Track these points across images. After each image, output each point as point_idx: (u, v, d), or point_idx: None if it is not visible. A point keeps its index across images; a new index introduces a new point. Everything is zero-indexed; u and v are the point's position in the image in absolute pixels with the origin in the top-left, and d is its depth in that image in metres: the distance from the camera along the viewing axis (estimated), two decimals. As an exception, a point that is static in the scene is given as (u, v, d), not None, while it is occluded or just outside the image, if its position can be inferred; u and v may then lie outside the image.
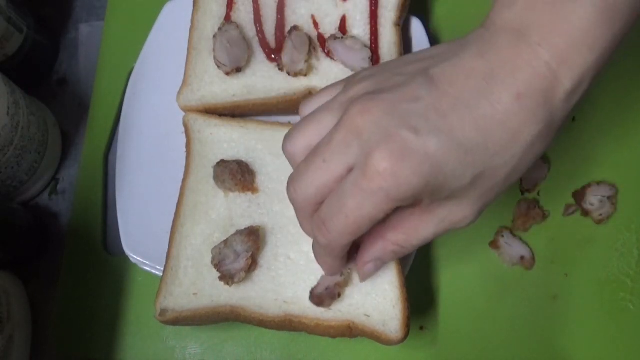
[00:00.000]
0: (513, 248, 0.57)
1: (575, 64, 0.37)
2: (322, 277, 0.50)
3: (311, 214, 0.42)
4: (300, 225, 0.45)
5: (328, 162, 0.39)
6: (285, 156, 0.44)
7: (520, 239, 0.57)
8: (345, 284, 0.50)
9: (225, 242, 0.51)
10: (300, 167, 0.41)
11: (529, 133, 0.37)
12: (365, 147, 0.37)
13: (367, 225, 0.39)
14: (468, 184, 0.38)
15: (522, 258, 0.56)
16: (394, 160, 0.36)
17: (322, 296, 0.49)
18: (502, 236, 0.57)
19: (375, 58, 0.56)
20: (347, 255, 0.45)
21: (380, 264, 0.45)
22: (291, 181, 0.42)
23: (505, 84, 0.37)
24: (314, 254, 0.46)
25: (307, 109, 0.44)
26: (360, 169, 0.37)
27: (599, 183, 0.58)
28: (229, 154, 0.56)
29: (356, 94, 0.40)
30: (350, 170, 0.38)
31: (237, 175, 0.53)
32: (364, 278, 0.47)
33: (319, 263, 0.47)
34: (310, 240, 0.52)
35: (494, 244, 0.57)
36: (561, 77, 0.37)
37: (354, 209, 0.38)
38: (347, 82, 0.43)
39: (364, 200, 0.37)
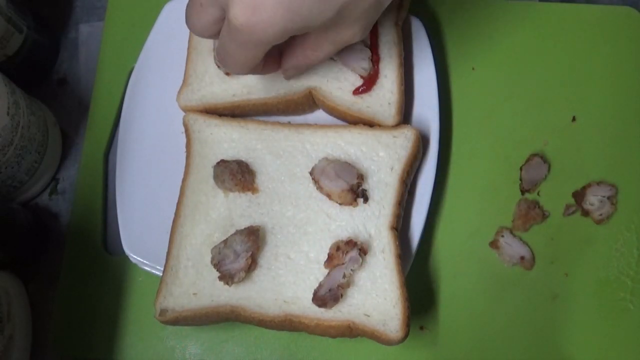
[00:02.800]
0: (513, 248, 0.57)
1: None
2: (325, 278, 0.50)
3: (212, 38, 0.47)
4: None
5: (204, 7, 0.43)
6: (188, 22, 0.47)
7: (520, 239, 0.57)
8: (347, 285, 0.50)
9: (225, 241, 0.51)
10: (187, 9, 0.45)
11: None
12: (222, 1, 0.40)
13: (254, 62, 0.44)
14: (332, 18, 0.40)
15: (522, 258, 0.56)
16: (247, 15, 0.39)
17: (325, 298, 0.49)
18: (502, 236, 0.57)
19: (375, 58, 0.56)
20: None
21: (299, 70, 0.51)
22: (187, 21, 0.46)
23: None
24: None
25: None
26: (227, 21, 0.41)
27: (599, 183, 0.58)
28: (229, 153, 0.56)
29: None
30: (222, 9, 0.42)
31: (237, 175, 0.53)
32: (287, 78, 0.53)
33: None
34: (308, 240, 0.52)
35: (494, 244, 0.57)
36: None
37: (236, 56, 0.43)
38: None
39: (239, 49, 0.42)
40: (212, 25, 0.44)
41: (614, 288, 0.56)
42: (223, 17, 0.43)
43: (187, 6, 0.46)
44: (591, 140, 0.60)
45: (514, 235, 0.57)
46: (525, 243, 0.57)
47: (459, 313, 0.56)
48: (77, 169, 0.63)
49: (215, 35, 0.45)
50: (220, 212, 0.54)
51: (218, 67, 0.57)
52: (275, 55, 0.50)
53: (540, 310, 0.56)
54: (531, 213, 0.57)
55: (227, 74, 0.57)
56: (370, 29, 0.44)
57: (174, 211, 0.54)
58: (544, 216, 0.58)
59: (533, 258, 0.57)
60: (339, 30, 0.43)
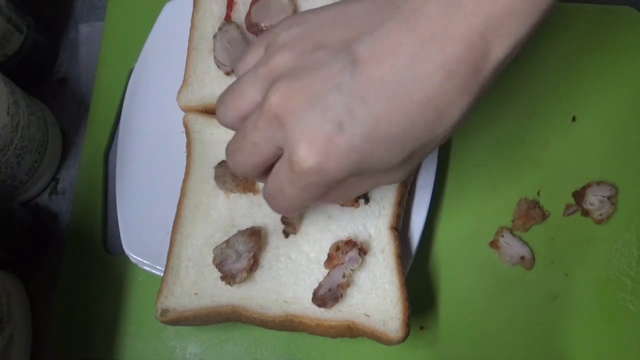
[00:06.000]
0: (513, 248, 0.57)
1: (510, 32, 0.33)
2: (325, 278, 0.50)
3: (258, 177, 0.43)
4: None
5: (258, 146, 0.39)
6: (222, 125, 0.44)
7: (520, 239, 0.57)
8: (347, 284, 0.50)
9: (227, 242, 0.51)
10: (233, 145, 0.42)
11: (458, 108, 0.35)
12: (289, 139, 0.37)
13: (308, 204, 0.40)
14: (399, 164, 0.38)
15: (522, 258, 0.56)
16: (319, 157, 0.36)
17: (325, 298, 0.49)
18: (502, 236, 0.57)
19: (375, 58, 0.56)
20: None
21: (307, 203, 0.45)
22: (229, 155, 0.43)
23: (435, 62, 0.34)
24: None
25: (239, 69, 0.43)
26: (288, 161, 0.37)
27: (599, 183, 0.58)
28: (229, 154, 0.56)
29: (277, 68, 0.38)
30: (279, 149, 0.39)
31: (238, 176, 0.53)
32: (290, 213, 0.50)
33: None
34: (309, 241, 0.52)
35: (494, 244, 0.57)
36: (495, 46, 0.34)
37: (292, 196, 0.39)
38: (267, 42, 0.41)
39: (298, 191, 0.39)
40: (261, 166, 0.41)
41: (614, 288, 0.56)
42: (276, 159, 0.40)
43: (233, 141, 0.42)
44: (591, 140, 0.60)
45: (514, 235, 0.57)
46: (525, 243, 0.57)
47: (459, 313, 0.56)
48: (77, 169, 0.63)
49: (260, 174, 0.42)
50: (222, 213, 0.54)
51: (218, 67, 0.57)
52: None
53: (540, 310, 0.56)
54: (531, 213, 0.57)
55: (228, 73, 0.57)
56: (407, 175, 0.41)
57: (175, 211, 0.54)
58: (544, 216, 0.58)
59: (533, 258, 0.57)
60: (390, 174, 0.40)
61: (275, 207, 0.42)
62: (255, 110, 0.39)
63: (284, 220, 0.52)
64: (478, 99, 0.36)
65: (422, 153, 0.38)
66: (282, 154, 0.39)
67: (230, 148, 0.42)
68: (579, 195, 0.58)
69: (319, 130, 0.36)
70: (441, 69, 0.34)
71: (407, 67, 0.34)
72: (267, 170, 0.41)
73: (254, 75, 0.40)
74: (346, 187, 0.40)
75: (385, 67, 0.35)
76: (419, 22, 0.34)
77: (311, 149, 0.36)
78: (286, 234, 0.52)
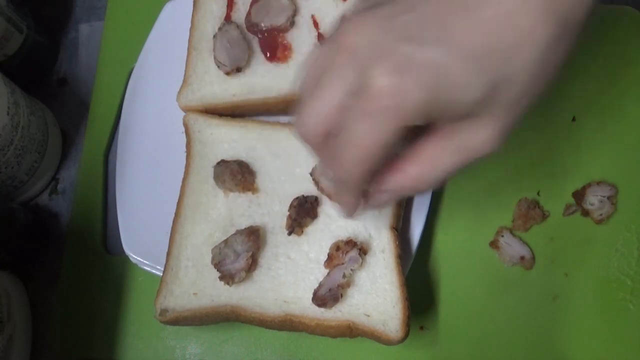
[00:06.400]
0: (513, 248, 0.57)
1: None
2: (325, 278, 0.50)
3: (322, 146, 0.38)
4: (320, 163, 0.41)
5: (328, 89, 0.35)
6: (299, 137, 0.39)
7: (520, 239, 0.57)
8: (347, 285, 0.50)
9: (226, 241, 0.51)
10: (301, 104, 0.38)
11: (542, 33, 0.33)
12: (361, 67, 0.34)
13: (381, 152, 0.35)
14: (482, 96, 0.34)
15: (522, 258, 0.56)
16: (393, 75, 0.33)
17: (325, 298, 0.49)
18: (502, 236, 0.57)
19: (375, 58, 0.56)
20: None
21: (394, 197, 0.41)
22: (296, 120, 0.38)
23: None
24: (333, 194, 0.42)
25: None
26: (360, 91, 0.34)
27: (599, 183, 0.58)
28: (229, 154, 0.56)
29: (344, 17, 0.37)
30: (349, 93, 0.35)
31: (238, 175, 0.53)
32: (374, 205, 0.42)
33: (337, 203, 0.44)
34: (308, 240, 0.52)
35: (494, 244, 0.57)
36: None
37: (363, 136, 0.35)
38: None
39: (371, 124, 0.34)
40: (330, 115, 0.36)
41: (614, 288, 0.56)
42: (349, 96, 0.35)
43: (300, 106, 0.38)
44: (591, 140, 0.60)
45: (514, 235, 0.57)
46: (525, 243, 0.57)
47: (459, 313, 0.56)
48: (77, 169, 0.63)
49: (325, 130, 0.37)
50: (221, 212, 0.54)
51: (218, 67, 0.57)
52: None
53: (540, 310, 0.56)
54: (531, 213, 0.57)
55: (228, 73, 0.57)
56: (504, 140, 0.36)
57: (174, 211, 0.54)
58: (544, 216, 0.58)
59: (533, 258, 0.57)
60: (473, 127, 0.35)
61: (340, 164, 0.37)
62: (323, 54, 0.36)
63: (292, 223, 0.52)
64: (566, 33, 0.33)
65: (507, 94, 0.34)
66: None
67: (298, 109, 0.38)
68: (579, 195, 0.58)
69: (392, 49, 0.33)
70: None
71: None
72: (329, 138, 0.37)
73: (321, 49, 0.37)
74: (416, 159, 0.37)
75: None
76: None
77: (386, 66, 0.33)
78: (290, 232, 0.52)
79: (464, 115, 0.35)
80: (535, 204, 0.58)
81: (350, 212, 0.43)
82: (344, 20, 0.36)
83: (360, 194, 0.40)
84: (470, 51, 0.33)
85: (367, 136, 0.35)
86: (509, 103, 0.34)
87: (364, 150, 0.35)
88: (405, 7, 0.34)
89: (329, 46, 0.36)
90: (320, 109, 0.36)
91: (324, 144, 0.37)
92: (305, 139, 0.38)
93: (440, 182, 0.38)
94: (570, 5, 0.33)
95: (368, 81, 0.33)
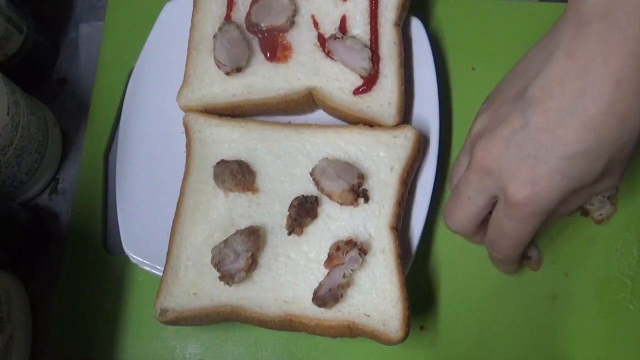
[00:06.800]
0: None
1: None
2: (325, 278, 0.50)
3: (474, 234, 0.49)
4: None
5: (472, 199, 0.46)
6: (454, 231, 0.49)
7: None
8: (347, 285, 0.50)
9: (226, 241, 0.51)
10: (449, 205, 0.48)
11: (638, 108, 0.39)
12: (498, 183, 0.43)
13: (529, 239, 0.45)
14: (601, 172, 0.41)
15: (529, 258, 0.56)
16: (528, 189, 0.41)
17: (325, 298, 0.49)
18: None
19: (375, 58, 0.56)
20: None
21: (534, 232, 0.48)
22: (446, 217, 0.49)
23: (600, 77, 0.38)
24: (494, 263, 0.52)
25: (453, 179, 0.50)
26: (503, 202, 0.43)
27: (599, 183, 0.58)
28: (229, 154, 0.56)
29: (475, 134, 0.46)
30: (492, 198, 0.45)
31: (237, 175, 0.53)
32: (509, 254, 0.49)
33: (503, 270, 0.54)
34: (308, 240, 0.52)
35: None
36: None
37: (513, 233, 0.44)
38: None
39: (518, 224, 0.43)
40: (476, 217, 0.47)
41: (614, 288, 0.56)
42: (490, 205, 0.46)
43: (449, 202, 0.48)
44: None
45: None
46: (534, 244, 0.57)
47: (459, 313, 0.56)
48: (77, 169, 0.63)
49: (475, 228, 0.48)
50: (221, 212, 0.54)
51: (218, 67, 0.57)
52: None
53: (540, 310, 0.56)
54: None
55: (228, 73, 0.57)
56: (625, 175, 0.44)
57: (174, 211, 0.54)
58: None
59: (540, 259, 0.56)
60: (601, 182, 0.43)
61: (499, 250, 0.47)
62: (465, 171, 0.46)
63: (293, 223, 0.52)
64: None
65: (621, 156, 0.41)
66: (494, 203, 0.45)
67: (446, 209, 0.49)
68: (579, 195, 0.58)
69: (520, 167, 0.41)
70: (608, 80, 0.38)
71: (577, 89, 0.39)
72: (482, 224, 0.47)
73: (462, 154, 0.49)
74: (564, 205, 0.43)
75: (556, 96, 0.40)
76: (578, 50, 0.39)
77: (519, 183, 0.42)
78: (290, 232, 0.52)
79: (590, 184, 0.42)
80: None
81: (512, 272, 0.55)
82: (474, 136, 0.46)
83: (519, 262, 0.52)
84: (582, 149, 0.39)
85: (517, 232, 0.44)
86: (622, 162, 0.42)
87: (515, 241, 0.45)
88: (519, 125, 0.42)
89: (466, 157, 0.47)
90: (469, 214, 0.47)
91: (476, 230, 0.48)
92: (460, 233, 0.49)
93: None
94: None
95: (507, 195, 0.42)
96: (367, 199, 0.52)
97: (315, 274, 0.51)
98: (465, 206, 0.46)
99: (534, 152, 0.41)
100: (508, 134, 0.42)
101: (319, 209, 0.53)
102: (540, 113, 0.41)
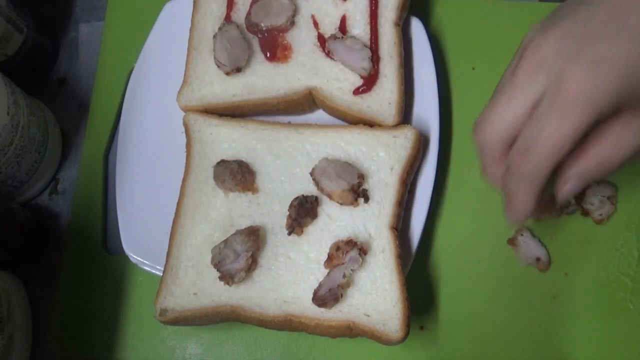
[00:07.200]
0: (530, 248, 0.56)
1: None
2: (325, 278, 0.50)
3: (499, 156, 0.42)
4: (485, 170, 0.44)
5: (515, 98, 0.39)
6: (480, 144, 0.43)
7: (540, 240, 0.57)
8: (347, 285, 0.50)
9: (225, 241, 0.51)
10: (484, 112, 0.42)
11: None
12: (552, 72, 0.38)
13: (570, 144, 0.38)
14: None
15: (537, 259, 0.56)
16: (585, 73, 0.37)
17: (325, 298, 0.49)
18: (522, 235, 0.57)
19: (375, 58, 0.56)
20: None
21: (581, 183, 0.43)
22: (478, 125, 0.42)
23: None
24: (508, 193, 0.44)
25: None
26: (552, 91, 0.38)
27: (599, 183, 0.58)
28: (229, 153, 0.56)
29: (526, 41, 0.41)
30: (537, 101, 0.39)
31: (237, 175, 0.53)
32: (563, 197, 0.44)
33: (513, 206, 0.44)
34: (308, 240, 0.52)
35: (511, 241, 0.57)
36: None
37: (555, 129, 0.38)
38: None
39: (564, 116, 0.37)
40: (514, 123, 0.40)
41: (614, 288, 0.56)
42: (535, 103, 0.39)
43: (484, 112, 0.42)
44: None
45: (534, 236, 0.57)
46: (544, 245, 0.56)
47: (459, 313, 0.56)
48: (77, 169, 0.63)
49: (509, 141, 0.41)
50: (221, 212, 0.54)
51: (218, 67, 0.57)
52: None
53: (540, 310, 0.56)
54: (550, 206, 0.55)
55: (228, 73, 0.57)
56: None
57: (174, 211, 0.54)
58: (559, 214, 0.57)
59: (549, 261, 0.56)
60: None
61: (529, 160, 0.40)
62: (509, 71, 0.41)
63: (293, 222, 0.52)
64: None
65: None
66: (536, 106, 0.39)
67: (479, 117, 0.42)
68: (579, 195, 0.58)
69: (580, 52, 0.37)
70: None
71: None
72: (510, 144, 0.41)
73: (508, 70, 0.42)
74: (603, 141, 0.39)
75: None
76: None
77: (577, 68, 0.37)
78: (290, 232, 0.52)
79: None
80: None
81: (524, 213, 0.44)
82: (528, 38, 0.41)
83: (539, 193, 0.42)
84: None
85: (560, 129, 0.38)
86: None
87: (555, 142, 0.38)
88: (583, 16, 0.38)
89: (514, 62, 0.41)
90: (508, 118, 0.40)
91: (503, 152, 0.41)
92: (489, 146, 0.42)
93: (624, 163, 0.41)
94: None
95: (561, 81, 0.37)
96: (367, 199, 0.52)
97: (315, 274, 0.51)
98: (503, 110, 0.40)
99: (598, 35, 0.37)
100: (568, 23, 0.38)
101: (319, 209, 0.53)
102: (606, 7, 0.37)
